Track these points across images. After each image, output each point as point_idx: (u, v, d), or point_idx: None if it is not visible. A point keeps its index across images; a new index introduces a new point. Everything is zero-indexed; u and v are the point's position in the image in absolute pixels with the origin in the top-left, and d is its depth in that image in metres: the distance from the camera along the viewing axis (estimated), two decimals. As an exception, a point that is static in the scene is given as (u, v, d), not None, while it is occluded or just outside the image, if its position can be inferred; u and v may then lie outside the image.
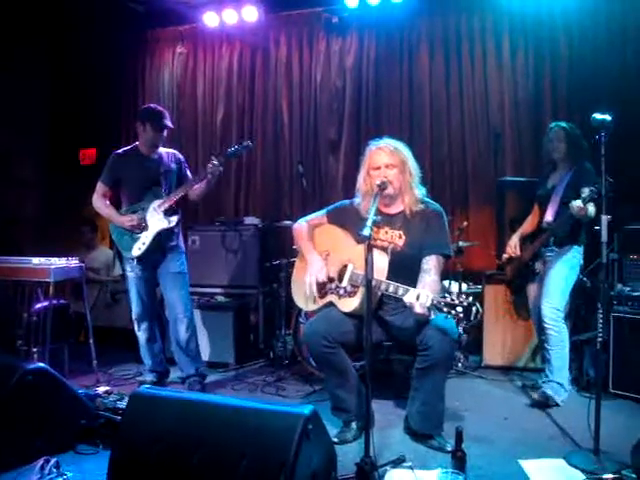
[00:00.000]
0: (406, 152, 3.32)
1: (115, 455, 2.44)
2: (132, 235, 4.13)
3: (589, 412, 3.01)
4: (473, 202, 5.64)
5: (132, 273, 4.22)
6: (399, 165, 3.25)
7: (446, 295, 2.84)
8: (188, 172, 4.39)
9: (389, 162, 3.24)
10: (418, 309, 2.88)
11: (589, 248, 3.93)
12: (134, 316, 4.31)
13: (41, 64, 6.66)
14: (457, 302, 2.76)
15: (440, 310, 2.82)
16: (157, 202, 4.12)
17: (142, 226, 4.10)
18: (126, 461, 2.41)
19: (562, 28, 5.30)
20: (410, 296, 2.91)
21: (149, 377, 4.37)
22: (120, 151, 4.29)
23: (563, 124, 3.98)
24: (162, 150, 4.29)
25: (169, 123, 4.20)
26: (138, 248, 4.11)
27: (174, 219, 4.15)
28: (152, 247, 4.11)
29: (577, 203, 3.51)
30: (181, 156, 4.39)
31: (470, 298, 2.79)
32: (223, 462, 2.24)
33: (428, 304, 2.85)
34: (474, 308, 2.77)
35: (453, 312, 2.76)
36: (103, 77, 6.70)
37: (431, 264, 3.18)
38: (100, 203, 4.23)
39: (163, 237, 4.14)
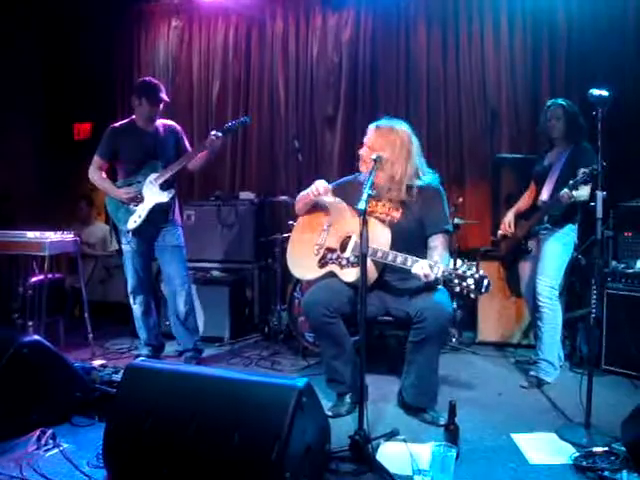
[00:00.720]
0: (401, 130, 3.28)
1: (110, 426, 2.47)
2: (128, 208, 4.12)
3: (581, 388, 3.04)
4: (469, 179, 5.62)
5: (128, 246, 4.21)
6: (387, 147, 3.22)
7: (457, 267, 2.84)
8: (186, 144, 4.35)
9: (370, 142, 3.28)
10: (423, 278, 2.89)
11: (584, 225, 3.93)
12: (129, 289, 4.31)
13: (34, 39, 6.55)
14: (469, 274, 2.77)
15: (451, 281, 2.82)
16: (154, 175, 4.10)
17: (138, 199, 4.09)
18: (121, 432, 2.43)
19: (561, 5, 5.24)
20: (418, 267, 2.91)
21: (144, 351, 4.38)
22: (117, 124, 4.25)
23: (561, 101, 3.93)
24: (159, 122, 4.25)
25: (165, 96, 4.16)
26: (134, 221, 4.10)
27: (170, 193, 4.14)
28: (148, 220, 4.11)
29: (564, 192, 3.52)
30: (179, 128, 4.35)
31: (481, 271, 2.80)
32: (217, 434, 2.26)
33: (440, 274, 2.85)
34: (485, 281, 2.74)
35: (464, 284, 2.77)
36: (98, 51, 6.61)
37: (437, 242, 3.23)
38: (96, 176, 4.21)
39: (159, 211, 4.14)
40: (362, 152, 3.32)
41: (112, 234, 4.39)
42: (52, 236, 4.23)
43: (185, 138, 4.37)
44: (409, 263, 2.98)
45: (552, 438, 2.98)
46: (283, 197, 5.11)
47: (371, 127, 3.34)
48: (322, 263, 3.38)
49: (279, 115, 6.17)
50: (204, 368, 2.90)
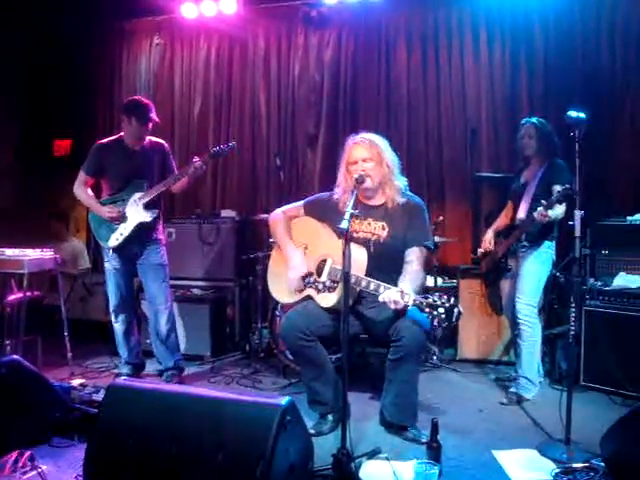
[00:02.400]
0: (383, 144, 3.34)
1: (92, 447, 2.44)
2: (110, 226, 4.11)
3: (561, 404, 3.06)
4: (449, 197, 5.67)
5: (110, 264, 4.19)
6: (376, 158, 3.28)
7: (428, 296, 2.87)
8: (173, 163, 4.36)
9: (366, 156, 3.27)
10: (392, 306, 2.90)
11: (563, 243, 4.00)
12: (111, 308, 4.28)
13: (15, 54, 6.52)
14: (439, 303, 2.79)
15: (422, 310, 2.84)
16: (138, 195, 4.10)
17: (121, 218, 4.07)
18: (103, 453, 2.40)
19: (538, 25, 5.34)
20: (386, 295, 2.92)
21: (125, 370, 4.34)
22: (104, 141, 4.25)
23: (534, 120, 4.02)
24: (148, 139, 4.23)
25: (155, 116, 4.16)
26: (115, 239, 4.10)
27: (153, 213, 4.13)
28: (130, 239, 4.10)
29: (538, 212, 3.56)
30: (167, 146, 4.36)
31: (452, 300, 2.81)
32: (200, 454, 2.25)
33: (410, 303, 2.86)
34: (456, 310, 2.77)
35: (435, 313, 2.79)
36: (79, 67, 6.61)
37: (413, 256, 3.25)
38: (81, 191, 4.20)
39: (142, 230, 4.12)
40: (364, 169, 3.24)
41: (84, 252, 4.35)
42: (31, 254, 4.20)
43: (172, 158, 4.38)
44: (381, 290, 2.99)
45: (533, 454, 3.01)
46: (264, 215, 5.08)
47: (358, 142, 3.32)
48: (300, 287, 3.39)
49: (260, 133, 6.19)
50: (187, 387, 2.89)
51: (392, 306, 2.90)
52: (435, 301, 2.80)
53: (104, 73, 6.76)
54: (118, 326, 4.29)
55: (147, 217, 4.10)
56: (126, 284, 4.27)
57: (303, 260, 3.36)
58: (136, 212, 4.09)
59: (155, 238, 4.24)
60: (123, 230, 4.09)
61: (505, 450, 3.04)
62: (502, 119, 5.49)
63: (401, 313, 3.07)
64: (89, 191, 4.24)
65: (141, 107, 4.12)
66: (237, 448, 2.21)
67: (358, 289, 3.14)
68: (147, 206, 4.11)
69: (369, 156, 3.27)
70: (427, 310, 2.81)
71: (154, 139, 4.30)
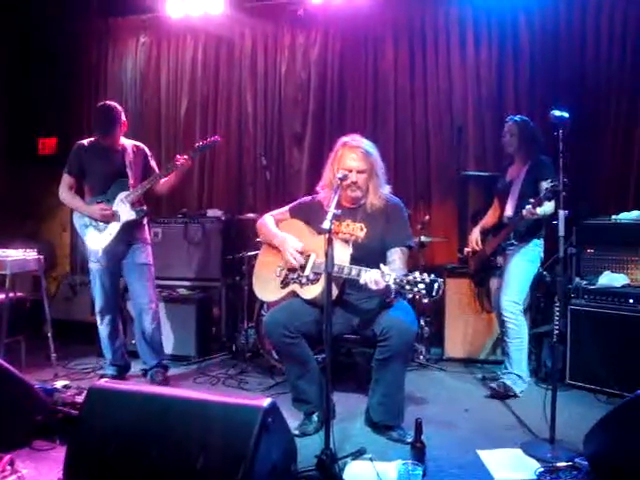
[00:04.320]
0: (375, 154, 3.35)
1: (72, 450, 2.42)
2: (97, 226, 4.10)
3: (546, 403, 3.08)
4: (436, 196, 5.67)
5: (96, 265, 4.16)
6: (369, 170, 3.29)
7: (408, 274, 2.86)
8: (154, 165, 4.36)
9: (361, 167, 3.27)
10: (373, 286, 2.90)
11: (549, 242, 4.00)
12: (97, 309, 4.26)
13: (-2, 51, 6.49)
14: (419, 279, 2.78)
15: (402, 287, 2.83)
16: (124, 194, 4.10)
17: (113, 216, 4.07)
18: (83, 456, 2.38)
19: (524, 23, 5.34)
20: (367, 276, 2.93)
21: (109, 371, 4.31)
22: (84, 142, 4.23)
23: (516, 118, 4.04)
24: (128, 142, 4.26)
25: (118, 120, 4.12)
26: (104, 239, 4.08)
27: (140, 211, 4.14)
28: (118, 239, 4.09)
29: (526, 210, 3.57)
30: (147, 149, 4.37)
31: (432, 275, 2.81)
32: (181, 456, 2.23)
33: (391, 282, 2.86)
34: (436, 284, 2.74)
35: (415, 289, 2.78)
36: (64, 65, 6.54)
37: (396, 256, 3.25)
38: (66, 194, 4.19)
39: (128, 228, 4.12)
40: (356, 180, 3.25)
41: (73, 252, 4.32)
42: (14, 254, 4.15)
43: (153, 160, 4.39)
44: (362, 274, 2.99)
45: (517, 453, 3.01)
46: (251, 214, 5.08)
47: (355, 150, 3.29)
48: (284, 284, 3.39)
49: (247, 132, 6.16)
50: (168, 389, 2.86)
51: (373, 286, 2.90)
52: (415, 277, 2.79)
53: (89, 71, 6.68)
54: (103, 328, 4.26)
55: (133, 215, 4.09)
56: (112, 284, 4.24)
57: (296, 239, 3.37)
58: (124, 211, 4.09)
59: (140, 237, 4.24)
60: (111, 230, 4.08)
61: (489, 449, 3.04)
62: (488, 117, 5.48)
63: (385, 301, 3.10)
64: (74, 194, 4.22)
65: (101, 118, 4.14)
66: (218, 450, 2.20)
67: (342, 277, 3.11)
68: (133, 204, 4.10)
69: (364, 168, 3.27)
70: (408, 287, 2.80)
71: (135, 142, 4.32)
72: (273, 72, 6.12)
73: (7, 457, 2.70)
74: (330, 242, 2.71)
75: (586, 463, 2.70)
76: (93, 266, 4.19)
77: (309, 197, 3.58)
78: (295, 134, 6.01)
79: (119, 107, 4.20)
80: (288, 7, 5.96)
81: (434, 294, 2.75)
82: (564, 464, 2.76)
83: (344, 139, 3.38)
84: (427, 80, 5.67)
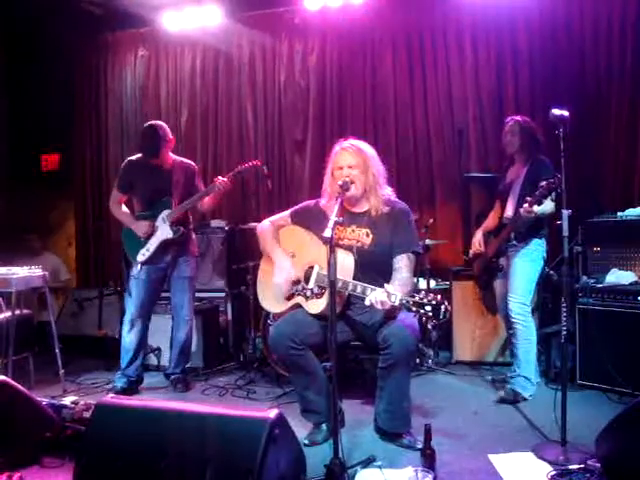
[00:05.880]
0: (369, 152, 3.32)
1: (80, 467, 2.41)
2: (139, 241, 4.26)
3: (556, 404, 3.04)
4: (440, 199, 5.66)
5: (137, 276, 4.30)
6: (361, 165, 3.25)
7: (414, 294, 2.84)
8: (200, 184, 4.49)
9: (351, 162, 3.24)
10: (379, 306, 2.88)
11: (555, 241, 3.97)
12: (128, 317, 4.34)
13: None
14: (425, 301, 2.76)
15: (409, 309, 2.82)
16: (166, 212, 4.25)
17: (151, 231, 4.24)
18: (91, 472, 2.37)
19: (523, 24, 5.33)
20: (373, 296, 2.90)
21: (120, 383, 4.31)
22: (133, 158, 4.39)
23: (517, 118, 4.02)
24: (177, 159, 4.41)
25: (166, 138, 4.26)
26: (142, 254, 4.26)
27: (177, 231, 4.25)
28: (157, 254, 4.26)
29: (523, 208, 3.55)
30: (195, 167, 4.52)
31: (439, 296, 2.79)
32: (188, 471, 2.22)
33: (397, 303, 2.84)
34: (442, 307, 2.74)
35: (422, 311, 2.76)
36: (64, 82, 6.60)
37: (402, 263, 3.21)
38: (115, 208, 4.41)
39: (172, 244, 4.28)
40: (348, 175, 3.21)
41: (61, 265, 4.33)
42: (19, 272, 4.16)
43: (199, 178, 4.54)
44: (367, 293, 2.96)
45: (528, 457, 2.97)
46: (254, 224, 5.05)
47: (345, 148, 3.30)
48: (289, 295, 3.36)
49: (248, 141, 6.17)
50: (175, 403, 2.83)
51: (379, 307, 2.88)
52: (422, 299, 2.77)
53: (89, 86, 6.73)
54: (130, 337, 4.31)
55: (170, 234, 4.23)
56: (150, 296, 4.36)
57: (291, 266, 3.33)
58: (163, 229, 4.24)
59: (186, 250, 4.40)
60: (150, 246, 4.24)
61: (500, 453, 3.01)
62: (489, 119, 5.47)
63: (389, 315, 3.05)
64: (124, 207, 4.41)
65: (147, 139, 4.26)
66: (226, 463, 2.19)
67: (346, 293, 3.11)
68: (173, 223, 4.24)
69: (355, 163, 3.24)
70: (414, 309, 2.78)
71: (185, 160, 4.48)
72: (272, 81, 6.14)
73: (17, 475, 2.71)
74: (332, 251, 2.68)
75: (599, 465, 2.66)
76: (133, 276, 4.33)
77: (312, 201, 3.53)
78: (296, 142, 6.02)
79: (164, 125, 4.36)
80: (285, 16, 5.97)
81: (441, 317, 2.74)
82: (576, 466, 2.73)
83: (338, 142, 3.38)
84: (426, 84, 5.67)
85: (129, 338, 4.32)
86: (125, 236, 4.37)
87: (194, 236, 4.55)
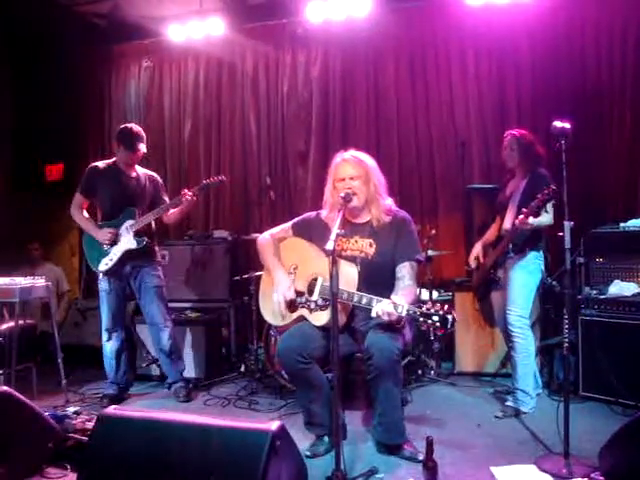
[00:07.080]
0: (370, 163, 3.33)
1: (82, 477, 2.41)
2: (101, 250, 4.21)
3: (559, 415, 3.04)
4: (442, 210, 5.67)
5: (102, 286, 4.30)
6: (363, 176, 3.26)
7: (421, 305, 2.84)
8: (165, 196, 4.49)
9: (353, 174, 3.26)
10: (385, 318, 2.88)
11: (557, 251, 3.97)
12: (104, 327, 4.37)
13: (3, 80, 6.55)
14: (433, 311, 2.77)
15: (416, 320, 2.82)
16: (129, 222, 4.23)
17: (114, 239, 4.20)
18: (93, 484, 2.37)
19: (525, 36, 5.34)
20: (379, 307, 2.90)
21: (110, 390, 4.39)
22: (99, 163, 4.38)
23: (514, 133, 4.02)
24: (141, 171, 4.40)
25: (142, 147, 4.27)
26: (105, 263, 4.22)
27: (141, 241, 4.24)
28: (120, 263, 4.22)
29: (518, 219, 3.55)
30: (160, 180, 4.53)
31: (446, 306, 2.80)
32: (191, 482, 2.22)
33: (404, 314, 2.84)
34: (450, 316, 2.75)
35: (430, 321, 2.76)
36: (68, 93, 6.62)
37: (405, 271, 3.21)
38: (77, 212, 4.34)
39: (135, 254, 4.24)
40: (350, 187, 3.22)
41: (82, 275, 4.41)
42: (22, 282, 4.17)
43: (164, 190, 4.54)
44: (373, 304, 2.96)
45: (531, 469, 2.96)
46: (257, 234, 5.06)
47: (346, 159, 3.31)
48: (293, 307, 3.33)
49: (251, 152, 6.20)
50: (177, 415, 2.83)
51: (386, 318, 2.87)
52: (429, 309, 2.77)
53: (94, 97, 6.78)
54: (110, 344, 4.35)
55: (134, 244, 4.22)
56: (118, 305, 4.36)
57: (290, 284, 3.31)
58: (126, 239, 4.22)
59: (149, 260, 4.35)
60: (113, 255, 4.21)
61: (503, 466, 3.00)
62: (491, 130, 5.48)
63: (395, 326, 3.02)
64: (85, 213, 4.37)
65: (129, 135, 4.25)
66: (228, 475, 2.19)
67: (351, 304, 3.11)
68: (137, 234, 4.22)
69: (356, 174, 3.26)
70: (421, 319, 2.78)
71: (147, 171, 4.47)
72: (275, 91, 6.17)
73: (18, 487, 2.71)
74: (334, 263, 2.68)
75: (602, 478, 2.65)
76: (100, 287, 4.32)
77: (313, 213, 3.53)
78: (299, 152, 6.04)
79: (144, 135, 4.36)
80: (288, 27, 6.01)
81: (448, 326, 2.75)
82: None
83: (339, 154, 3.39)
84: (429, 95, 5.70)
85: (109, 347, 4.37)
86: (86, 243, 4.34)
87: (157, 247, 4.52)
